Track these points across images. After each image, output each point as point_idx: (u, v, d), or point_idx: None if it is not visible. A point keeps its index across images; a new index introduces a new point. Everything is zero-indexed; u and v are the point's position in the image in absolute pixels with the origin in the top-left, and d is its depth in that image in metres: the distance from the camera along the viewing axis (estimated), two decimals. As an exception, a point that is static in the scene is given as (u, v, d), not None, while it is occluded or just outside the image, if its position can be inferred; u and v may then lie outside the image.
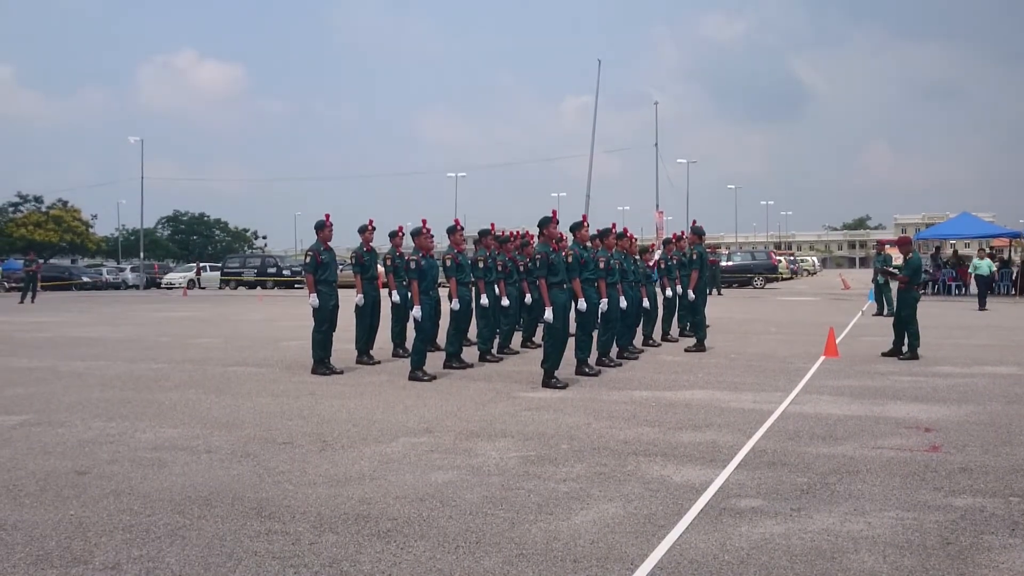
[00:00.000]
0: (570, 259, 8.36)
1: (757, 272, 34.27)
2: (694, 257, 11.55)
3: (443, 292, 9.84)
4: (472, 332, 10.64)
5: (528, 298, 10.83)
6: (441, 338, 10.49)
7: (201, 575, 3.33)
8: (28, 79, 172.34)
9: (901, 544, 3.62)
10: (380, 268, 10.80)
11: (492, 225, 10.83)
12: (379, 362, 9.78)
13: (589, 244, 9.30)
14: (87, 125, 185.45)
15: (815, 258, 72.80)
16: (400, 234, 10.23)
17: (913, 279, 10.39)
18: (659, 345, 11.74)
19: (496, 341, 10.53)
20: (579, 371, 8.74)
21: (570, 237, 9.14)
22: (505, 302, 10.42)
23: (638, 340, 11.06)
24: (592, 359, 9.07)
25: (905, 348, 10.07)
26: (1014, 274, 25.68)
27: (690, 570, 3.35)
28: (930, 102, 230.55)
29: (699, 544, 3.64)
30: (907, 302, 10.21)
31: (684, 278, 11.81)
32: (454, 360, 9.45)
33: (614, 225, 10.20)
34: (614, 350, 9.96)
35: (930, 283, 25.01)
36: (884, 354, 10.23)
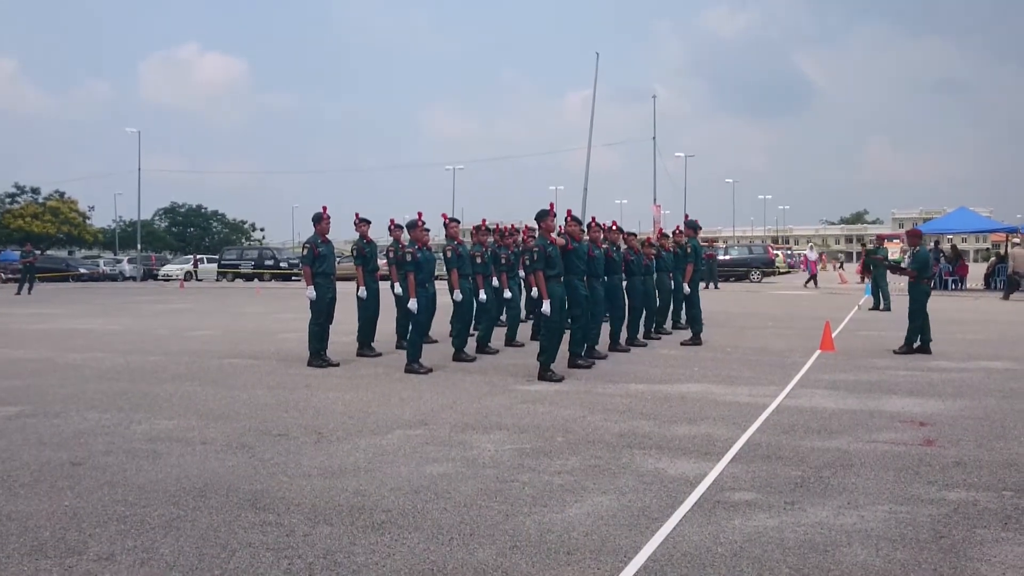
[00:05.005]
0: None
1: (754, 266, 34.29)
2: (688, 251, 11.56)
3: (439, 284, 9.81)
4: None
5: (508, 293, 10.90)
6: (441, 332, 10.47)
7: (195, 566, 3.33)
8: (30, 73, 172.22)
9: (894, 537, 3.63)
10: (382, 261, 10.73)
11: (483, 220, 10.95)
12: (380, 354, 9.76)
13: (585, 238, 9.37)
14: (88, 119, 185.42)
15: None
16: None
17: (921, 273, 10.09)
18: (659, 338, 11.76)
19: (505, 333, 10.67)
20: (572, 364, 8.74)
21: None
22: (507, 294, 10.59)
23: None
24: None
25: (917, 343, 9.88)
26: (1010, 269, 25.70)
27: (683, 562, 3.36)
28: (930, 98, 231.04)
29: (693, 537, 3.65)
30: (916, 296, 9.96)
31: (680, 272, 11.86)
32: (462, 353, 9.46)
33: (593, 219, 9.94)
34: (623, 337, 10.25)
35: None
36: (896, 352, 9.94)
